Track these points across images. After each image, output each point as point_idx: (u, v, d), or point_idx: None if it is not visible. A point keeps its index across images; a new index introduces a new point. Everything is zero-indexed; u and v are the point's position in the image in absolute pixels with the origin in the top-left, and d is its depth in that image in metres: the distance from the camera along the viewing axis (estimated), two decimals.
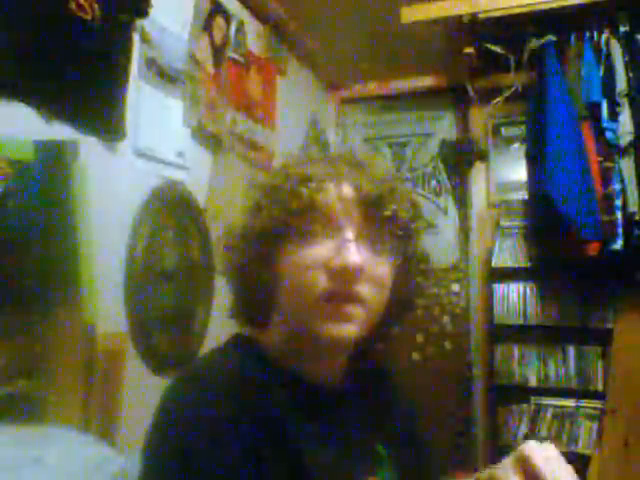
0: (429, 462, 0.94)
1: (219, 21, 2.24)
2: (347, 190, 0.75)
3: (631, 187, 2.42)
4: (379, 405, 0.89)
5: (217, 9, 2.23)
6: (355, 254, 0.71)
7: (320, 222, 0.73)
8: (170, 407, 0.71)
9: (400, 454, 0.85)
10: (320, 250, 0.73)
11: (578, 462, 2.61)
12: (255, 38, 2.59)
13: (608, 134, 2.46)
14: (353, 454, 0.78)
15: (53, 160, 1.44)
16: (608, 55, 2.51)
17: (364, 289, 0.73)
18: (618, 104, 2.46)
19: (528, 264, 2.86)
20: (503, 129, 3.19)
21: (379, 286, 0.75)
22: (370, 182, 0.75)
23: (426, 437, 0.96)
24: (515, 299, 2.91)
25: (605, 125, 2.47)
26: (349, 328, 0.73)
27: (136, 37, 1.78)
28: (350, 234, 0.73)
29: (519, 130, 3.07)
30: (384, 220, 0.75)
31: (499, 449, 2.87)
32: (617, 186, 2.44)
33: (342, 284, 0.72)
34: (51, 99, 1.45)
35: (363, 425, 0.83)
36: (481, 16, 2.55)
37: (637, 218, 2.41)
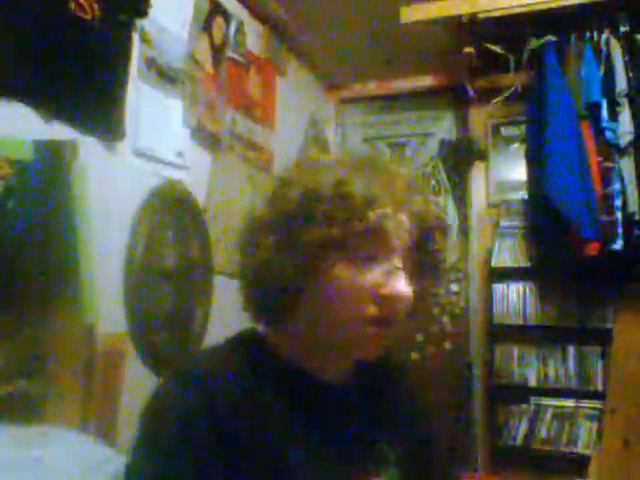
0: (438, 463, 0.93)
1: (219, 21, 2.24)
2: (404, 218, 0.75)
3: (631, 187, 2.43)
4: (386, 403, 0.89)
5: (217, 9, 2.23)
6: (405, 284, 0.73)
7: (377, 247, 0.73)
8: (164, 400, 0.72)
9: (406, 454, 0.84)
10: (371, 275, 0.73)
11: (578, 462, 2.62)
12: (255, 38, 2.59)
13: (608, 134, 2.46)
14: (358, 453, 0.78)
15: (52, 160, 1.44)
16: (608, 55, 2.51)
17: (402, 315, 0.75)
18: (618, 104, 2.46)
19: (528, 264, 2.86)
20: (503, 129, 3.19)
21: (411, 311, 0.77)
22: (424, 213, 0.77)
23: (436, 437, 0.96)
24: (515, 299, 2.91)
25: (605, 125, 2.47)
26: (380, 349, 0.76)
27: (136, 37, 1.78)
28: (400, 262, 0.74)
29: (519, 130, 3.08)
30: (430, 254, 0.78)
31: (499, 449, 2.88)
32: (617, 186, 2.44)
33: (389, 311, 0.73)
34: (50, 99, 1.46)
35: (369, 424, 0.83)
36: (481, 16, 2.55)
37: (637, 218, 2.41)
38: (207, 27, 2.18)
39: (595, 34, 2.56)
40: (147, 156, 1.84)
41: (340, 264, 0.73)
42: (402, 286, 0.72)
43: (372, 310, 0.73)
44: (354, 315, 0.73)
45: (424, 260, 0.78)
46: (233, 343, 0.82)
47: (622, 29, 2.51)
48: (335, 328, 0.75)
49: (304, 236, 0.73)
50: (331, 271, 0.73)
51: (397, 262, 0.74)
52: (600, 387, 2.74)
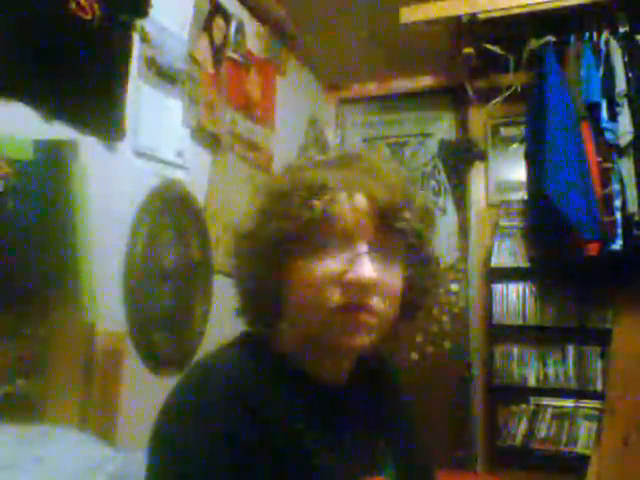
0: (428, 463, 0.94)
1: (219, 21, 2.25)
2: (360, 200, 0.73)
3: (630, 187, 2.43)
4: (384, 405, 0.89)
5: (217, 9, 2.23)
6: (369, 267, 0.71)
7: (332, 234, 0.72)
8: (177, 407, 0.71)
9: (402, 454, 0.85)
10: (333, 263, 0.72)
11: (578, 462, 2.62)
12: (255, 38, 2.59)
13: (607, 134, 2.47)
14: (357, 453, 0.79)
15: (53, 160, 1.44)
16: (607, 56, 2.51)
17: (377, 300, 0.72)
18: (617, 104, 2.46)
19: (527, 264, 2.86)
20: (502, 129, 3.19)
21: (391, 296, 0.74)
22: (384, 191, 0.73)
23: (424, 438, 0.96)
24: (514, 299, 2.91)
25: (604, 125, 2.48)
26: (362, 338, 0.73)
27: (136, 37, 1.78)
28: (363, 246, 0.72)
29: (518, 130, 3.07)
30: (398, 231, 0.74)
31: (499, 449, 2.88)
32: (616, 186, 2.44)
33: (355, 297, 0.71)
34: (51, 99, 1.46)
35: (368, 425, 0.84)
36: (480, 16, 2.55)
37: (636, 218, 2.41)
38: (207, 27, 2.18)
39: (595, 35, 2.56)
40: (147, 156, 1.84)
41: (302, 258, 0.73)
42: (365, 270, 0.70)
43: (338, 297, 0.71)
44: (321, 304, 0.72)
45: (400, 237, 0.75)
46: (236, 346, 0.81)
47: (621, 30, 2.52)
48: (308, 320, 0.75)
49: (264, 235, 0.75)
50: (295, 265, 0.74)
51: (362, 247, 0.72)
52: (600, 387, 2.74)
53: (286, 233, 0.73)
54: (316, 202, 0.71)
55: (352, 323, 0.72)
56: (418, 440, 0.94)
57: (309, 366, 0.79)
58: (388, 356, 0.95)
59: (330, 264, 0.72)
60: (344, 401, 0.81)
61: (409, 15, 2.65)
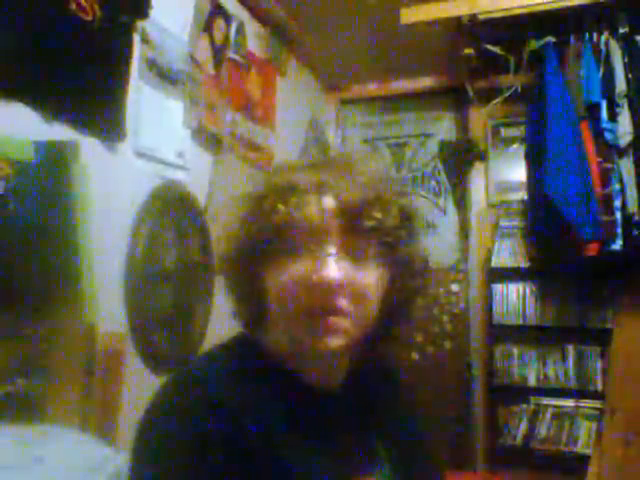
0: (430, 464, 0.93)
1: (219, 22, 2.25)
2: (329, 201, 0.72)
3: (630, 187, 2.43)
4: (381, 405, 0.89)
5: (217, 10, 2.23)
6: (333, 269, 0.70)
7: (302, 237, 0.72)
8: (160, 407, 0.72)
9: (401, 455, 0.85)
10: (300, 266, 0.71)
11: (578, 462, 2.62)
12: (255, 39, 2.59)
13: (607, 135, 2.47)
14: (349, 455, 0.78)
15: (54, 160, 1.45)
16: (607, 56, 2.51)
17: (346, 301, 0.71)
18: (617, 105, 2.46)
19: (527, 264, 2.87)
20: (502, 130, 3.20)
21: (363, 296, 0.73)
22: (352, 191, 0.72)
23: (427, 438, 0.95)
24: (514, 299, 2.91)
25: (604, 126, 2.48)
26: (333, 340, 0.72)
27: (136, 38, 1.79)
28: (330, 248, 0.71)
29: (518, 131, 3.08)
30: (367, 230, 0.72)
31: (499, 449, 2.88)
32: (616, 186, 2.44)
33: (322, 299, 0.70)
34: (51, 99, 1.46)
35: (362, 426, 0.83)
36: (480, 17, 2.55)
37: (636, 218, 2.41)
38: (208, 28, 2.18)
39: (595, 35, 2.56)
40: (148, 157, 1.85)
41: (275, 261, 0.73)
42: (329, 272, 0.70)
43: (306, 299, 0.71)
44: (292, 307, 0.72)
45: (371, 236, 0.73)
46: (228, 347, 0.82)
47: (621, 30, 2.52)
48: (283, 323, 0.75)
49: (242, 240, 0.76)
50: (270, 269, 0.74)
51: (330, 248, 0.71)
52: (600, 387, 2.74)
53: (259, 237, 0.74)
54: (283, 205, 0.71)
55: (321, 326, 0.71)
56: (422, 441, 0.93)
57: (297, 368, 0.78)
58: (388, 356, 0.95)
59: (298, 267, 0.71)
60: (334, 404, 0.80)
61: (409, 16, 2.65)
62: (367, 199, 0.72)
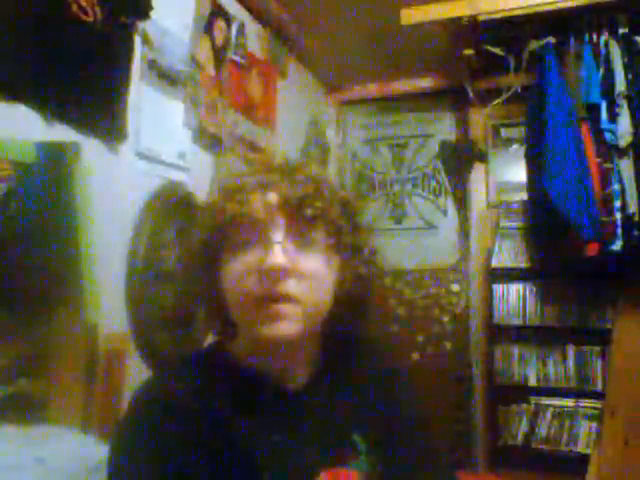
0: (424, 450, 0.91)
1: (220, 23, 2.25)
2: (272, 197, 0.77)
3: (630, 188, 2.43)
4: (357, 396, 0.88)
5: (218, 11, 2.24)
6: (278, 255, 0.74)
7: (250, 231, 0.76)
8: (128, 417, 0.80)
9: (385, 443, 0.85)
10: (249, 256, 0.76)
11: (578, 461, 2.62)
12: (256, 40, 2.60)
13: (607, 135, 2.47)
14: (322, 448, 0.80)
15: (55, 162, 1.45)
16: (607, 57, 2.51)
17: (294, 286, 0.75)
18: (617, 105, 2.46)
19: (527, 264, 2.87)
20: (503, 130, 3.20)
21: (312, 281, 0.77)
22: (293, 186, 0.78)
23: (422, 422, 0.94)
24: (515, 299, 2.92)
25: (604, 126, 2.48)
26: (285, 326, 0.75)
27: (137, 39, 1.79)
28: (276, 237, 0.75)
29: (518, 131, 3.08)
30: (310, 218, 0.77)
31: (499, 449, 2.88)
32: (616, 187, 2.44)
33: (270, 285, 0.74)
34: (52, 101, 1.46)
35: (335, 418, 0.84)
36: (481, 18, 2.55)
37: (636, 219, 2.41)
38: (208, 29, 2.18)
39: (594, 36, 2.56)
40: (149, 157, 1.85)
41: (225, 257, 0.78)
42: (275, 257, 0.74)
43: (256, 287, 0.75)
44: (243, 296, 0.76)
45: (313, 224, 0.78)
46: (198, 353, 0.90)
47: (621, 31, 2.52)
48: (237, 314, 0.79)
49: (196, 245, 0.82)
50: (222, 266, 0.79)
51: (274, 238, 0.76)
52: (600, 387, 2.74)
53: (211, 238, 0.79)
54: (230, 204, 0.77)
55: (270, 313, 0.74)
56: (413, 425, 0.91)
57: (264, 367, 0.81)
58: (358, 346, 0.94)
59: (246, 257, 0.76)
60: (301, 400, 0.82)
61: (410, 17, 2.65)
62: (307, 192, 0.77)
